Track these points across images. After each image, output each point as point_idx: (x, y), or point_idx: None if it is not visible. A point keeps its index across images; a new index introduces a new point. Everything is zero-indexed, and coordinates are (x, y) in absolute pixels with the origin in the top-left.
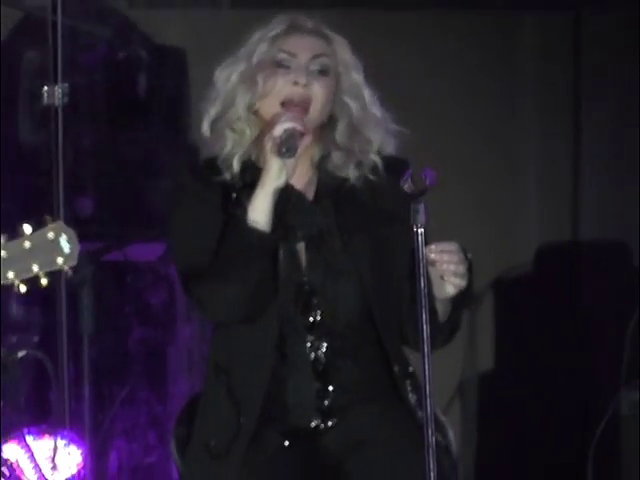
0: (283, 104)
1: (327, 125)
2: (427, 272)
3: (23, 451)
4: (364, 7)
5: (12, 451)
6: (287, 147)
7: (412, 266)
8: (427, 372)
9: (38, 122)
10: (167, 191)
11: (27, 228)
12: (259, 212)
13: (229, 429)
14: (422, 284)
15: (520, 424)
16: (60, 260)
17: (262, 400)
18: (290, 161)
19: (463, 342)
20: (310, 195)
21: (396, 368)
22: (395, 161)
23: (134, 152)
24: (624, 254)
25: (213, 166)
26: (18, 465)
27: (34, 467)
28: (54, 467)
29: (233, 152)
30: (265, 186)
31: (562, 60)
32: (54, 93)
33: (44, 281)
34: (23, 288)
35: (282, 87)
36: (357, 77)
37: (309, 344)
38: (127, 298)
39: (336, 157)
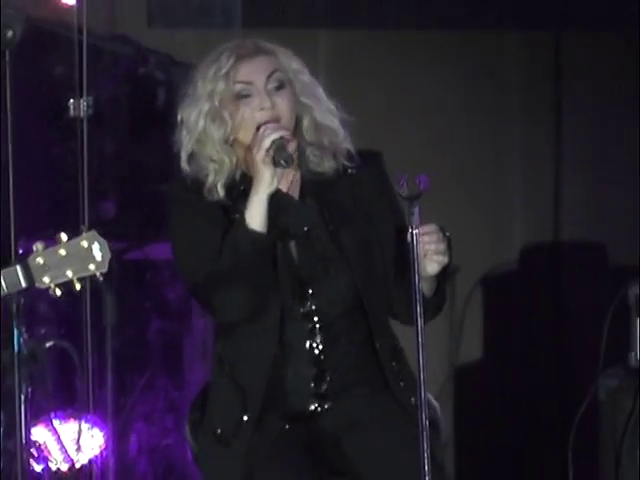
0: (258, 128)
1: (294, 126)
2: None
3: (50, 433)
4: (365, 27)
5: (40, 433)
6: (284, 158)
7: (397, 246)
8: (421, 362)
9: (65, 132)
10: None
11: (63, 236)
12: (255, 217)
13: (234, 417)
14: (417, 281)
15: (505, 410)
16: (92, 267)
17: (264, 388)
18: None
19: (453, 334)
20: (295, 193)
21: (378, 345)
22: (369, 153)
23: (152, 159)
24: (601, 252)
25: (200, 187)
26: (46, 446)
27: (60, 448)
28: (79, 448)
29: (216, 180)
30: (259, 193)
31: (544, 71)
32: (80, 106)
33: (77, 286)
34: (58, 292)
35: (251, 116)
36: (307, 78)
37: (306, 332)
38: (147, 293)
39: (311, 153)
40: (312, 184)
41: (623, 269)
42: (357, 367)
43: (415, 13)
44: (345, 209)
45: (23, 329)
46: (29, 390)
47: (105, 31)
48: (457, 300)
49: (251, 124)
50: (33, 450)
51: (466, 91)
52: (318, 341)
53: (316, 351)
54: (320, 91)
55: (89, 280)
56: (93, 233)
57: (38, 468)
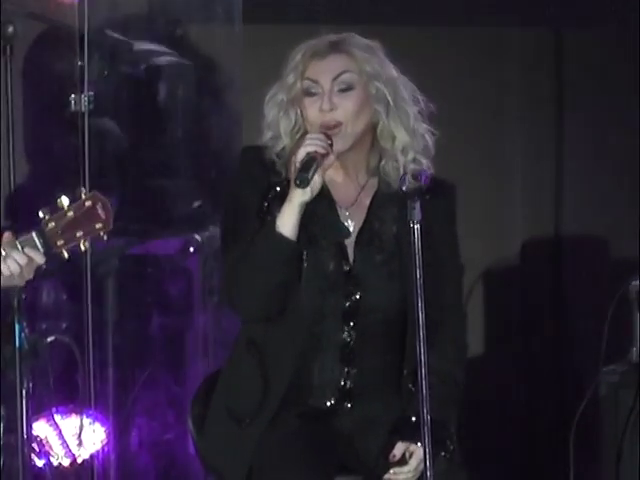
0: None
1: (371, 130)
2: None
3: (52, 428)
4: (365, 23)
5: (42, 428)
6: (300, 179)
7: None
8: (422, 359)
9: (66, 127)
10: (184, 191)
11: (65, 200)
12: (286, 223)
13: (256, 399)
14: (418, 275)
15: (505, 406)
16: (99, 226)
17: (288, 378)
18: (317, 178)
19: None
20: (366, 201)
21: (406, 372)
22: (444, 184)
23: (154, 155)
24: (603, 247)
25: (274, 162)
26: (47, 441)
27: (62, 443)
28: (80, 443)
29: (283, 162)
30: (292, 201)
31: (545, 68)
32: (81, 101)
33: (83, 247)
34: (66, 255)
35: (313, 115)
36: (380, 85)
37: (342, 328)
38: (148, 288)
39: (388, 166)
40: (385, 195)
41: (624, 264)
42: (385, 370)
43: (415, 10)
44: (409, 227)
45: (24, 324)
46: (30, 385)
47: (106, 26)
48: None
49: (314, 123)
50: (34, 445)
51: (466, 88)
52: (352, 339)
53: (348, 348)
54: (403, 100)
55: (90, 275)
56: (94, 193)
57: (39, 463)
